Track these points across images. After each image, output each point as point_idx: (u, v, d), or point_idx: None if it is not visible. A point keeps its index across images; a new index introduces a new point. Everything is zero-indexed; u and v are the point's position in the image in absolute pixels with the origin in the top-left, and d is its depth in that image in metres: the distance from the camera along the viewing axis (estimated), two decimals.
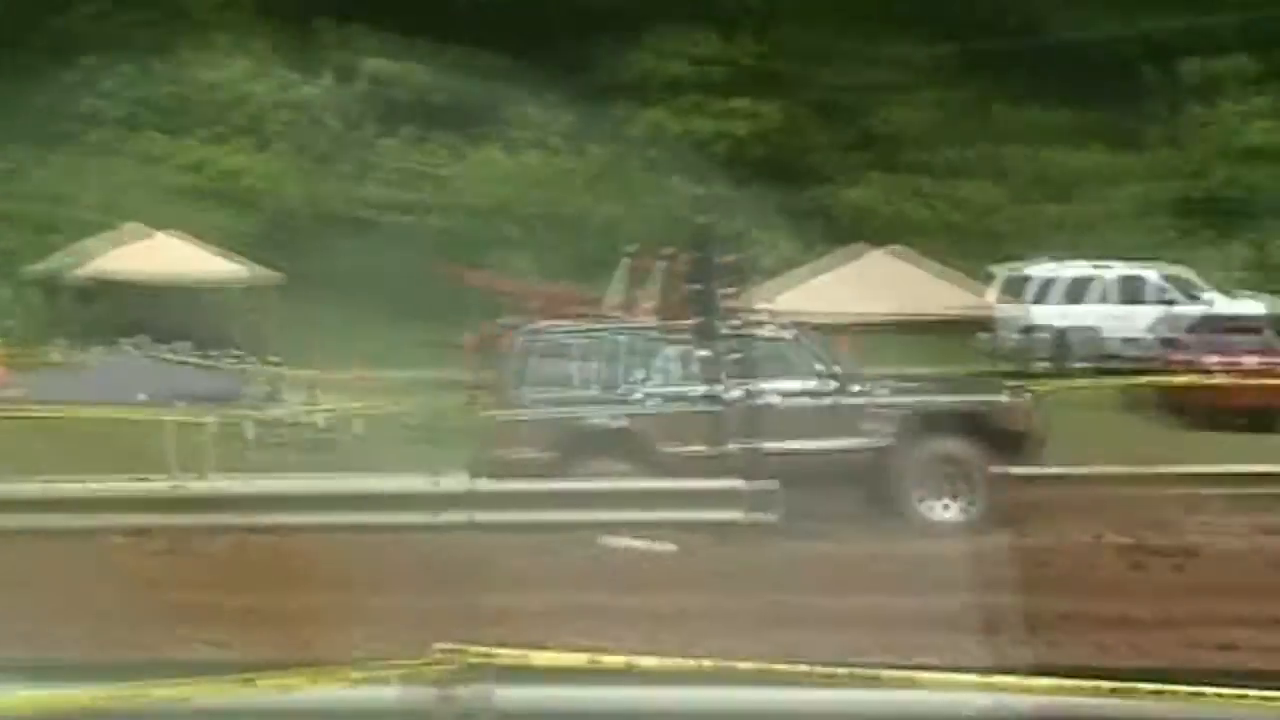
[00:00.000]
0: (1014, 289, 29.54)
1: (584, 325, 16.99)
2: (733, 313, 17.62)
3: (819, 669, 6.63)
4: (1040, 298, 29.60)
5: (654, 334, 16.54)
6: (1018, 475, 18.23)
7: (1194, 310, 28.19)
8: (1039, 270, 30.27)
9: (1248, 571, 12.63)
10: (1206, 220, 34.83)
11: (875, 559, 13.74)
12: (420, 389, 22.86)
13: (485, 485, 15.68)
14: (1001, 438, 15.72)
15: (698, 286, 17.23)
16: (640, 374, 16.18)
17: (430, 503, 15.09)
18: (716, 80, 37.38)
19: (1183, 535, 13.98)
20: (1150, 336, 28.18)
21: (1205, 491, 16.02)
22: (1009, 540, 14.26)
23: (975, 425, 15.71)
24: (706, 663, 6.57)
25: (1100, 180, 35.85)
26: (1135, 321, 29.00)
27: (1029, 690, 6.54)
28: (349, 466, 18.19)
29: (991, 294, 28.68)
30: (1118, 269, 30.20)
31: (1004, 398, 16.56)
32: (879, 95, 36.96)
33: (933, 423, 15.72)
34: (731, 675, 6.61)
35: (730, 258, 17.83)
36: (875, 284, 23.61)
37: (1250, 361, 24.04)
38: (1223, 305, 28.62)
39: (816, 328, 23.96)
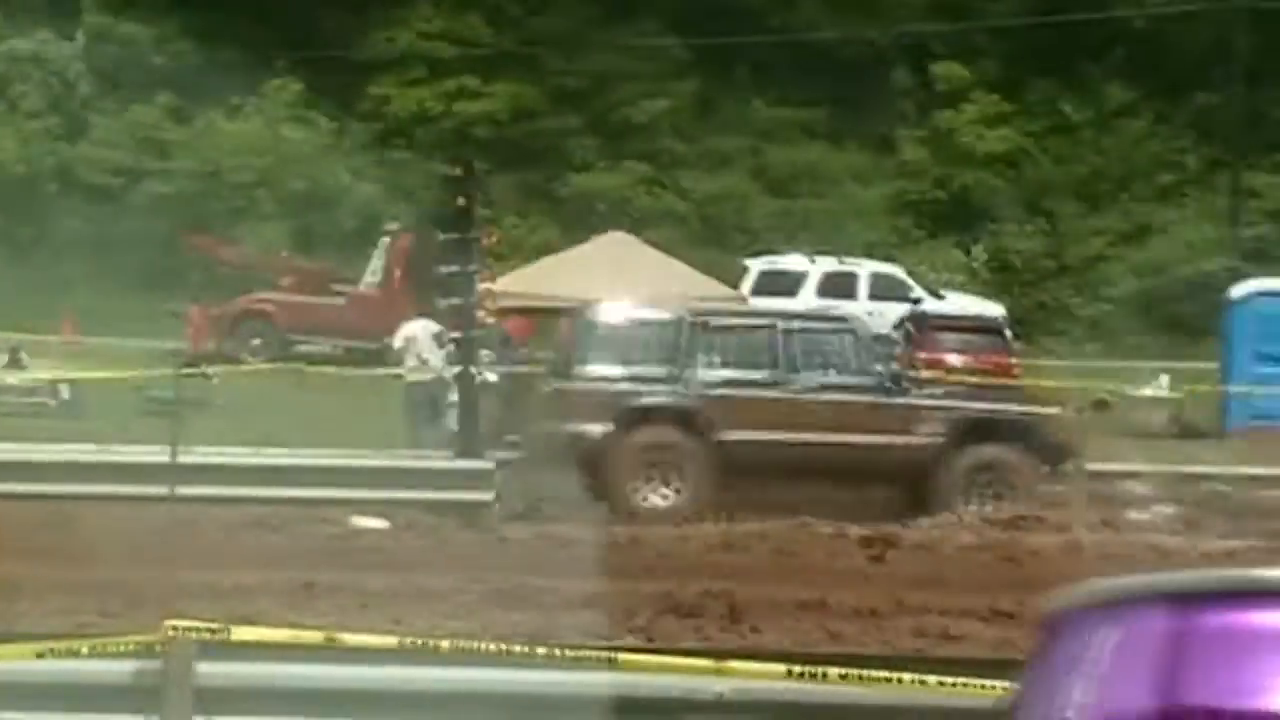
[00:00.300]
0: (760, 281, 30.10)
1: (644, 306, 17.15)
2: (478, 294, 17.73)
3: (519, 648, 6.78)
4: (783, 291, 30.22)
5: (715, 319, 16.70)
6: None
7: (912, 307, 29.02)
8: (784, 263, 30.88)
9: (942, 560, 13.13)
10: (939, 221, 35.88)
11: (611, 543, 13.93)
12: (142, 358, 22.44)
13: (218, 458, 15.52)
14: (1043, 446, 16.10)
15: (446, 268, 17.28)
16: (702, 357, 16.26)
17: (157, 474, 14.88)
18: (474, 62, 37.30)
19: (887, 526, 14.48)
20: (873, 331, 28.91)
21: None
22: (723, 526, 14.61)
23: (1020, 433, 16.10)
24: (408, 640, 6.67)
25: (850, 178, 36.66)
26: (859, 316, 29.74)
27: (723, 673, 6.75)
28: (56, 433, 17.80)
29: (740, 285, 29.14)
30: (851, 265, 30.96)
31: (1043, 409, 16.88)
32: (635, 84, 37.29)
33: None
34: (433, 653, 6.72)
35: (478, 239, 17.90)
36: (619, 269, 23.75)
37: (956, 360, 24.82)
38: (941, 304, 29.48)
39: (550, 311, 24.31)
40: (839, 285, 30.65)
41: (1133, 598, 3.39)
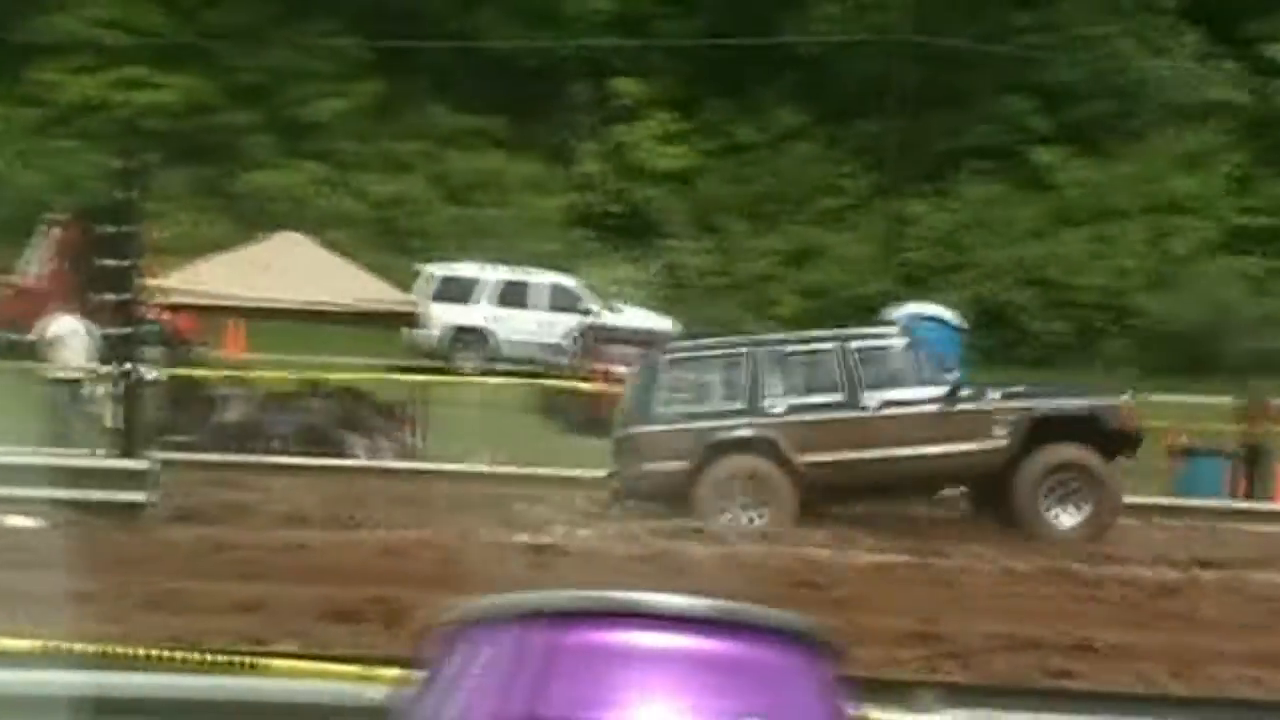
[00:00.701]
0: (436, 287, 30.14)
1: (716, 340, 17.31)
2: (141, 289, 17.34)
3: (164, 653, 6.69)
4: (458, 298, 30.35)
5: (786, 347, 16.80)
6: (394, 469, 18.67)
7: (586, 319, 29.44)
8: (460, 270, 31.04)
9: (604, 570, 13.35)
10: (614, 234, 36.38)
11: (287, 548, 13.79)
12: None
13: None
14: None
15: (109, 261, 16.84)
16: (773, 385, 16.28)
17: None
18: (148, 52, 36.42)
19: (549, 534, 14.65)
20: (546, 341, 29.32)
21: (577, 493, 16.85)
22: (385, 534, 14.59)
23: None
24: (50, 644, 6.53)
25: (528, 188, 36.88)
26: (532, 325, 30.15)
27: (376, 679, 6.76)
28: None
29: (417, 290, 29.14)
30: (527, 275, 31.28)
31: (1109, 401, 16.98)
32: (313, 83, 36.88)
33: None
34: (77, 658, 6.59)
35: (143, 234, 17.51)
36: (291, 270, 23.50)
37: (627, 372, 25.21)
38: (614, 316, 29.98)
39: (212, 309, 23.90)
40: (515, 295, 30.92)
41: (511, 614, 3.65)
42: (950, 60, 35.75)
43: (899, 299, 28.80)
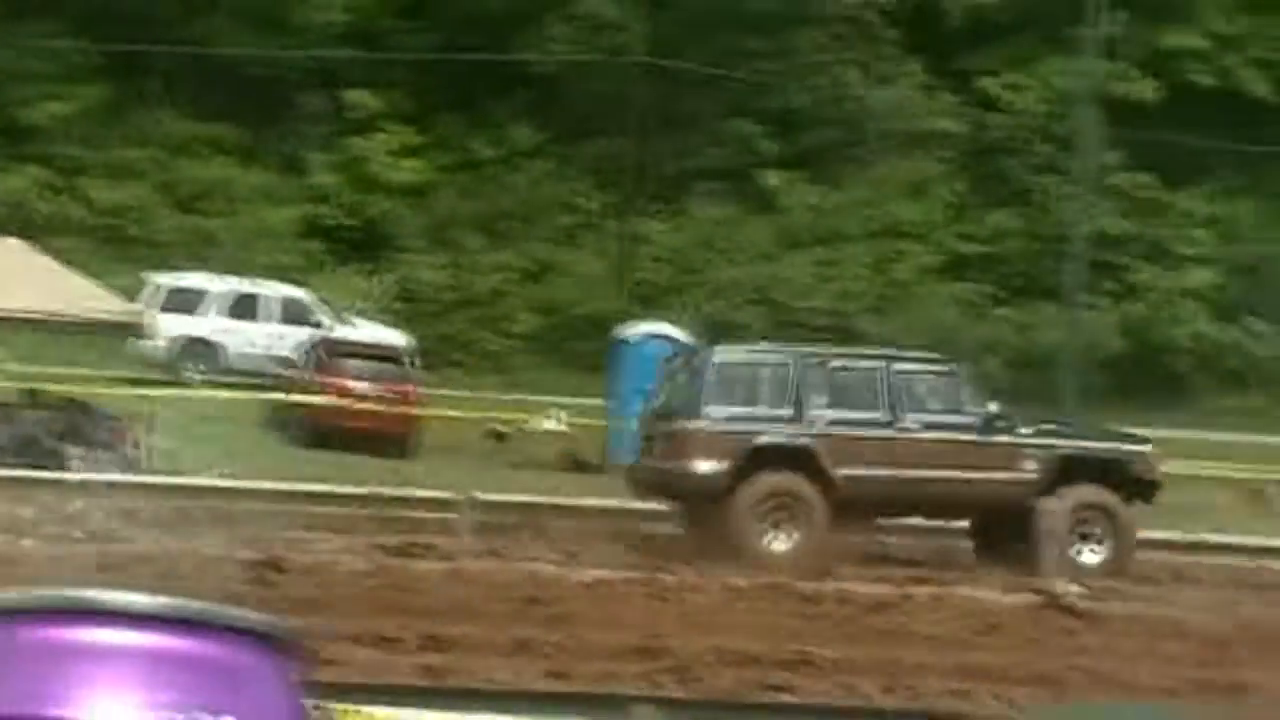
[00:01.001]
0: (164, 298, 29.61)
1: (765, 346, 17.50)
2: None
3: None
4: (187, 308, 29.86)
5: (832, 361, 16.94)
6: (117, 482, 18.34)
7: (318, 332, 29.19)
8: (189, 281, 30.54)
9: (329, 585, 13.30)
10: (348, 247, 36.11)
11: None
12: None
13: None
14: None
15: None
16: (818, 397, 16.48)
17: None
18: None
19: (275, 549, 14.52)
20: (276, 354, 28.99)
21: (305, 508, 16.73)
22: (99, 549, 14.31)
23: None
24: None
25: (259, 199, 36.36)
26: (263, 338, 29.81)
27: None
28: None
29: (144, 300, 28.56)
30: (258, 287, 30.89)
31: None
32: (35, 85, 35.87)
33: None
34: None
35: None
36: (8, 277, 22.87)
37: (364, 387, 25.19)
38: (347, 330, 29.77)
39: None
40: (246, 306, 30.48)
41: None
42: (683, 83, 36.30)
43: (632, 317, 29.11)
